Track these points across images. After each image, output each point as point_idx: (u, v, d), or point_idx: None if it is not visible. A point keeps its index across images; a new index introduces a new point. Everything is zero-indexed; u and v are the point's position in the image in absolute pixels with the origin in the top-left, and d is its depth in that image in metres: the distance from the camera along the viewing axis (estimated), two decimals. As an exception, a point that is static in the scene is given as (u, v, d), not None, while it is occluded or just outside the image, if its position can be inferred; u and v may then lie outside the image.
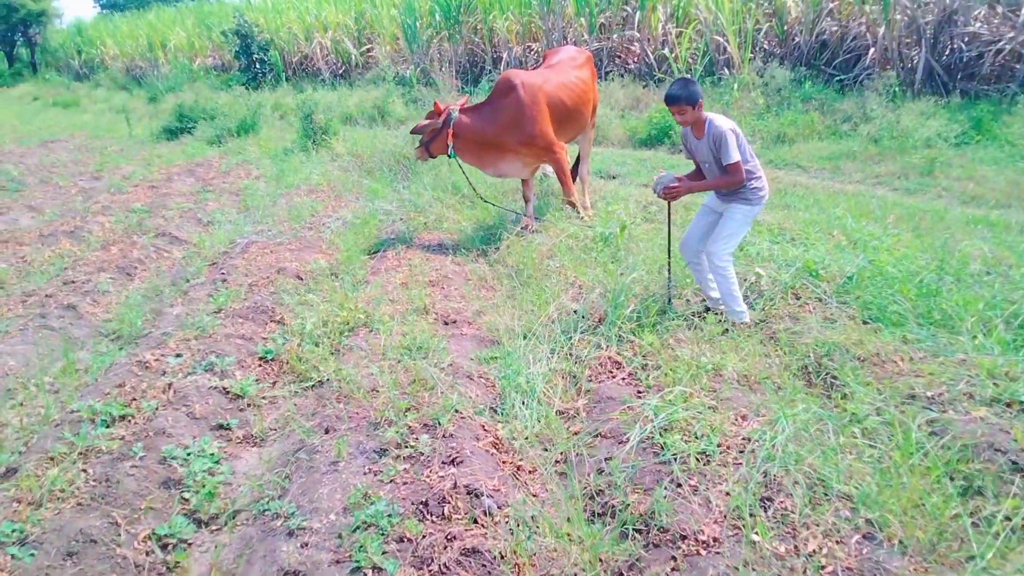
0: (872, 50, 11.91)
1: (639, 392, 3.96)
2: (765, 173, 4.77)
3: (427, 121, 6.75)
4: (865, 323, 4.54)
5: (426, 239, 7.15)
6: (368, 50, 21.18)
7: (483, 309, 5.39)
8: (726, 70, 13.24)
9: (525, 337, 4.68)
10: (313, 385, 4.37)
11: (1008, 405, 3.53)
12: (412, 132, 6.87)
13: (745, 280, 5.25)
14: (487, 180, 8.60)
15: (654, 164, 9.99)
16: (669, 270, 4.95)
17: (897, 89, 10.32)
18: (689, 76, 4.41)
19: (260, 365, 4.67)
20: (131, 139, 16.01)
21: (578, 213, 7.02)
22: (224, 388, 4.26)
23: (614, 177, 9.62)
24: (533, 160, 6.71)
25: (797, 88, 11.56)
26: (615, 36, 15.49)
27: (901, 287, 4.61)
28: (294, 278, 6.26)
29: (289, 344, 4.80)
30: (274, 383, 4.50)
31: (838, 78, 12.30)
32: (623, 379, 4.13)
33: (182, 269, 6.85)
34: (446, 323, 5.12)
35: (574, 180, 7.18)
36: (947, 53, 10.96)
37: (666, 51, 14.32)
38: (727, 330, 4.63)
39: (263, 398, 4.30)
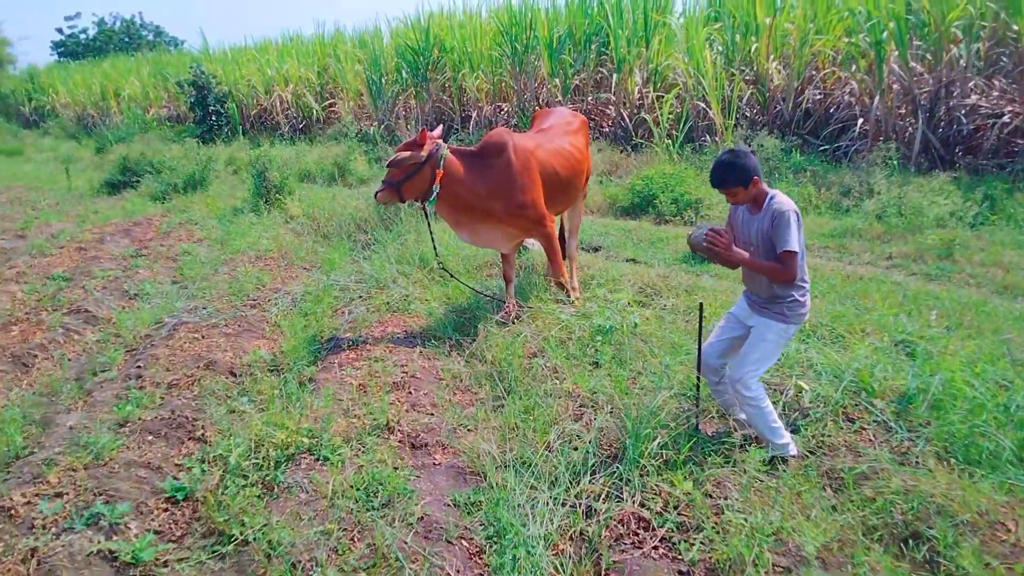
0: (861, 120, 11.35)
1: (681, 573, 2.91)
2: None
3: (406, 153, 5.24)
4: (946, 461, 3.59)
5: (390, 324, 6.09)
6: (330, 105, 20.32)
7: (460, 424, 4.33)
8: (707, 136, 12.61)
9: (516, 471, 3.64)
10: (235, 546, 3.23)
11: None
12: (388, 165, 5.34)
13: (782, 394, 4.29)
14: (460, 250, 7.62)
15: (640, 236, 9.12)
16: (698, 388, 3.96)
17: (896, 163, 9.68)
18: (737, 147, 3.49)
19: (166, 509, 3.52)
20: (69, 192, 14.77)
21: (568, 297, 6.05)
22: (110, 552, 3.11)
23: (597, 249, 8.71)
24: (519, 232, 5.73)
25: (785, 158, 10.90)
26: (590, 99, 14.85)
27: (990, 414, 3.68)
28: (226, 375, 5.14)
29: (208, 479, 3.66)
30: (182, 537, 3.35)
31: (822, 148, 11.71)
32: (655, 548, 3.09)
33: (92, 358, 5.67)
34: (414, 447, 4.04)
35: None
36: (943, 126, 10.41)
37: (643, 115, 13.69)
38: (774, 465, 3.65)
39: (163, 564, 3.14)
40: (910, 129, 10.77)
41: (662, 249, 8.47)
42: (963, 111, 10.21)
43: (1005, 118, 9.60)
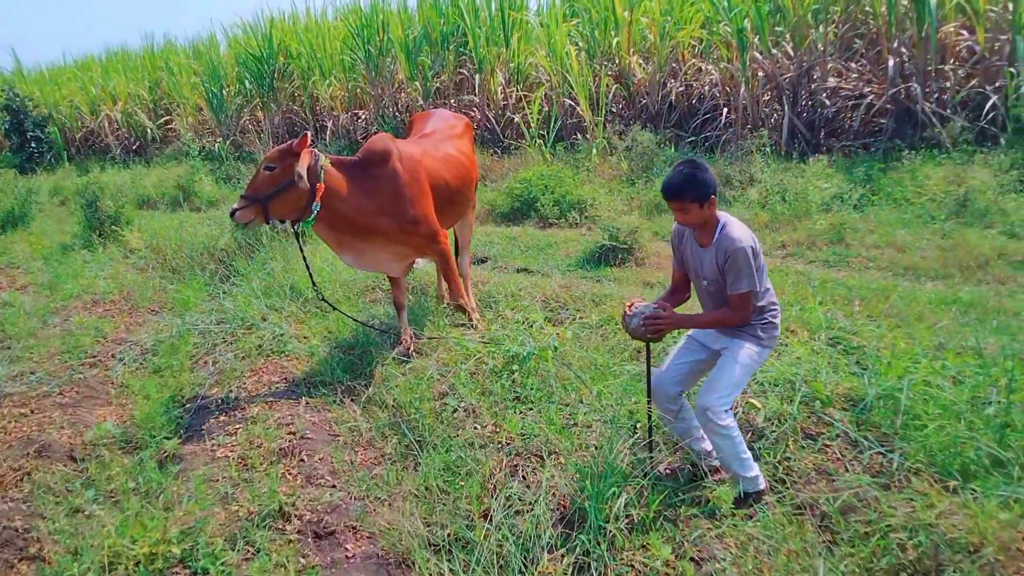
0: (726, 110, 11.36)
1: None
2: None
3: (276, 166, 4.34)
4: (931, 478, 3.22)
5: (264, 372, 5.21)
6: (167, 122, 18.63)
7: (371, 495, 3.58)
8: (577, 134, 12.29)
9: (452, 554, 2.95)
10: None
11: None
12: (265, 167, 4.38)
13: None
14: (338, 275, 6.79)
15: (527, 242, 8.58)
16: (650, 429, 3.42)
17: (770, 149, 9.66)
18: (697, 159, 2.93)
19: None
20: None
21: (470, 320, 5.40)
22: None
23: (484, 260, 8.09)
24: (411, 252, 5.01)
25: (660, 152, 10.69)
26: (452, 101, 14.22)
27: (969, 419, 3.34)
28: (65, 460, 4.14)
29: (44, 624, 2.74)
30: None
31: (689, 140, 11.65)
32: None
33: None
34: (319, 536, 3.26)
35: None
36: (807, 110, 10.54)
37: (509, 115, 13.22)
38: (751, 505, 3.17)
39: None
40: (775, 116, 10.85)
41: (553, 255, 7.97)
42: (824, 94, 10.37)
43: (870, 99, 9.77)
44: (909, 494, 3.10)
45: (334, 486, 3.67)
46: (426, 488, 3.52)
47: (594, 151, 11.14)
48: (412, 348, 5.09)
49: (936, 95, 9.38)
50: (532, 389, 4.26)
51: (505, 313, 5.56)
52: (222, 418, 4.47)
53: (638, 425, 3.78)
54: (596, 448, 3.33)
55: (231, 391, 4.84)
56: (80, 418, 4.74)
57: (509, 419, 3.94)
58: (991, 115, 8.75)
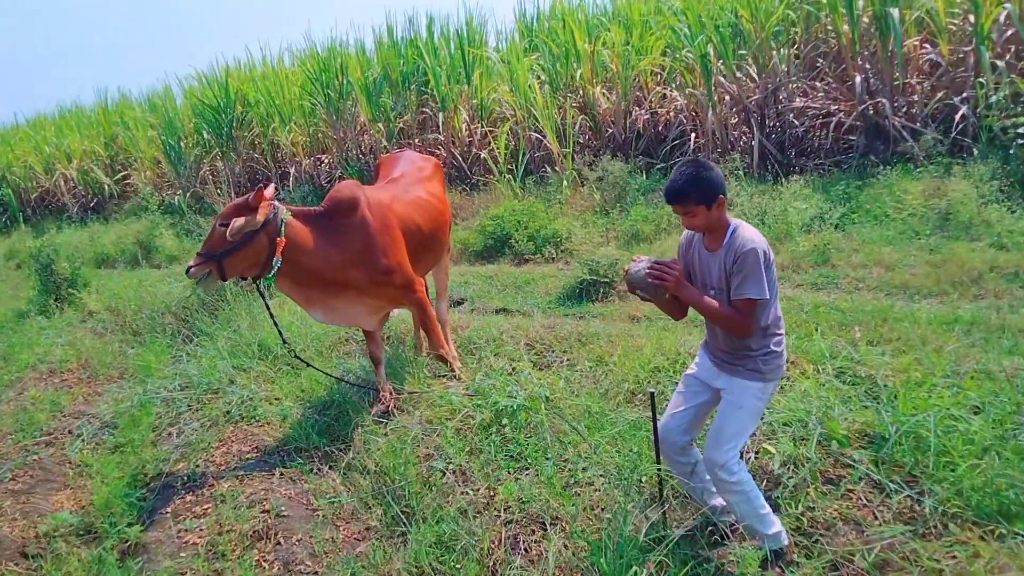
0: (694, 135, 11.25)
1: None
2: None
3: (241, 220, 3.99)
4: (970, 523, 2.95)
5: (234, 440, 4.83)
6: (124, 177, 18.17)
7: (357, 579, 3.23)
8: (547, 167, 12.11)
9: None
10: None
11: None
12: (227, 230, 3.97)
13: (747, 460, 3.55)
14: (307, 329, 6.43)
15: (503, 281, 8.31)
16: (660, 486, 3.12)
17: (743, 172, 9.54)
18: (700, 159, 2.67)
19: None
20: None
21: (452, 370, 5.08)
22: None
23: (461, 302, 7.79)
24: (386, 303, 4.70)
25: (632, 181, 10.52)
26: (417, 141, 14.00)
27: (999, 452, 3.09)
28: (17, 558, 3.73)
29: None
30: None
31: (659, 167, 11.51)
32: None
33: None
34: (301, 635, 2.91)
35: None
36: (776, 131, 10.46)
37: (475, 151, 13.03)
38: (778, 564, 2.88)
39: None
40: (744, 138, 10.76)
41: (532, 293, 7.70)
42: (792, 114, 10.30)
43: (839, 116, 9.70)
44: (948, 542, 2.83)
45: (315, 573, 3.31)
46: (418, 568, 3.18)
47: (565, 183, 10.96)
48: (392, 405, 4.75)
49: (904, 109, 9.34)
50: (525, 446, 3.94)
51: (489, 360, 5.25)
52: (188, 498, 4.09)
53: (643, 479, 3.49)
54: (604, 512, 3.02)
55: (198, 465, 4.46)
56: (34, 506, 4.33)
57: (504, 482, 3.61)
58: (961, 126, 8.70)
